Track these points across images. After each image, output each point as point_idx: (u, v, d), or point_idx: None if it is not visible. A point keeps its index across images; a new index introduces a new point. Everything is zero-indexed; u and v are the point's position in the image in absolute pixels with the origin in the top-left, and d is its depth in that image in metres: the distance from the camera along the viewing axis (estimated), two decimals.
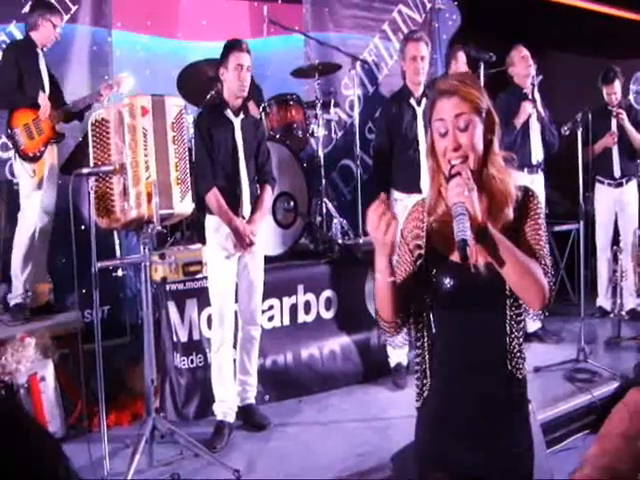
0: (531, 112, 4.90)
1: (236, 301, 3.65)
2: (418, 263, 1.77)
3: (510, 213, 1.71)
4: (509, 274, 1.62)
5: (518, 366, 1.74)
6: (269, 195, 3.73)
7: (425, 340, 1.80)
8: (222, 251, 3.54)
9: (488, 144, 1.72)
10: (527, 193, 1.77)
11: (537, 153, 5.00)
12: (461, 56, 5.67)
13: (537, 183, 5.01)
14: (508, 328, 1.72)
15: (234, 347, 3.66)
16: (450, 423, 1.76)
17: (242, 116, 3.62)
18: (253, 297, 3.67)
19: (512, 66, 5.05)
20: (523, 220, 1.73)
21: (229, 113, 3.60)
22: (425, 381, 1.81)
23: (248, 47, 3.54)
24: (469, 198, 1.58)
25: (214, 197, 3.51)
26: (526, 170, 4.97)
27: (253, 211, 3.61)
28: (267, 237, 4.26)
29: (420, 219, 1.81)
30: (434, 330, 1.78)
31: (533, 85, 4.98)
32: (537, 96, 4.94)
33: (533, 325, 5.01)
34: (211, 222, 3.58)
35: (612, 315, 5.39)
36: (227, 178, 3.56)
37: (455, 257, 1.70)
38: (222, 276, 3.55)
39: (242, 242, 3.51)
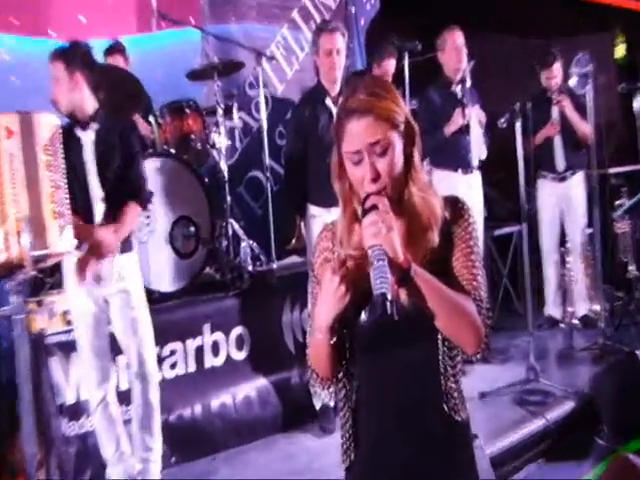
0: (463, 123, 4.86)
1: (121, 352, 3.58)
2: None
3: (435, 238, 1.66)
4: (437, 316, 1.59)
5: (456, 408, 1.71)
6: (133, 212, 3.51)
7: (347, 391, 1.75)
8: (87, 293, 3.44)
9: (408, 158, 1.67)
10: (456, 206, 1.72)
11: (477, 153, 4.98)
12: (386, 65, 5.53)
13: (474, 184, 5.03)
14: (442, 366, 1.69)
15: (124, 403, 3.60)
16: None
17: (96, 126, 3.47)
18: (140, 345, 3.55)
19: (442, 53, 4.99)
20: (452, 244, 1.69)
21: (77, 129, 3.48)
22: (350, 442, 1.76)
23: (61, 52, 3.42)
24: (388, 239, 1.53)
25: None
26: (460, 171, 4.96)
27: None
28: (164, 269, 4.17)
29: (329, 249, 1.76)
30: (355, 378, 1.74)
31: (464, 81, 4.94)
32: (466, 101, 4.89)
33: None
34: (72, 259, 3.41)
35: (563, 324, 5.46)
36: (81, 203, 3.41)
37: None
38: (89, 323, 3.47)
39: (110, 251, 3.39)
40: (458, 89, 4.93)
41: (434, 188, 1.72)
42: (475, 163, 4.99)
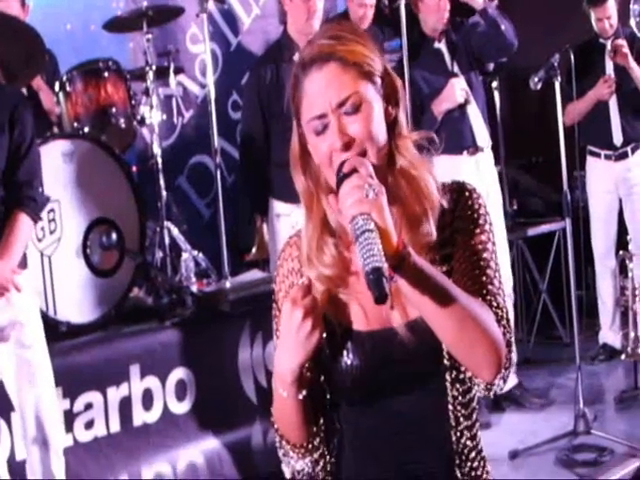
0: (461, 99, 4.87)
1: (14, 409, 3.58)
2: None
3: (432, 230, 1.69)
4: (444, 327, 1.61)
5: (476, 472, 1.74)
6: (25, 227, 3.49)
7: (325, 458, 1.78)
8: None
9: (391, 124, 1.71)
10: (463, 194, 1.76)
11: (481, 134, 5.05)
12: None
13: (484, 167, 5.09)
14: (452, 417, 1.72)
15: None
16: None
17: None
18: (38, 399, 3.53)
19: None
20: (458, 239, 1.72)
21: None
22: None
23: None
24: (377, 205, 1.55)
25: None
26: (465, 153, 5.00)
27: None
28: (74, 292, 4.18)
29: (297, 271, 1.79)
30: (336, 441, 1.78)
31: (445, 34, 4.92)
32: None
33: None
34: None
35: (624, 356, 5.46)
36: None
37: (358, 325, 1.71)
38: None
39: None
40: (443, 46, 4.94)
41: (429, 165, 1.75)
42: (483, 142, 5.05)
